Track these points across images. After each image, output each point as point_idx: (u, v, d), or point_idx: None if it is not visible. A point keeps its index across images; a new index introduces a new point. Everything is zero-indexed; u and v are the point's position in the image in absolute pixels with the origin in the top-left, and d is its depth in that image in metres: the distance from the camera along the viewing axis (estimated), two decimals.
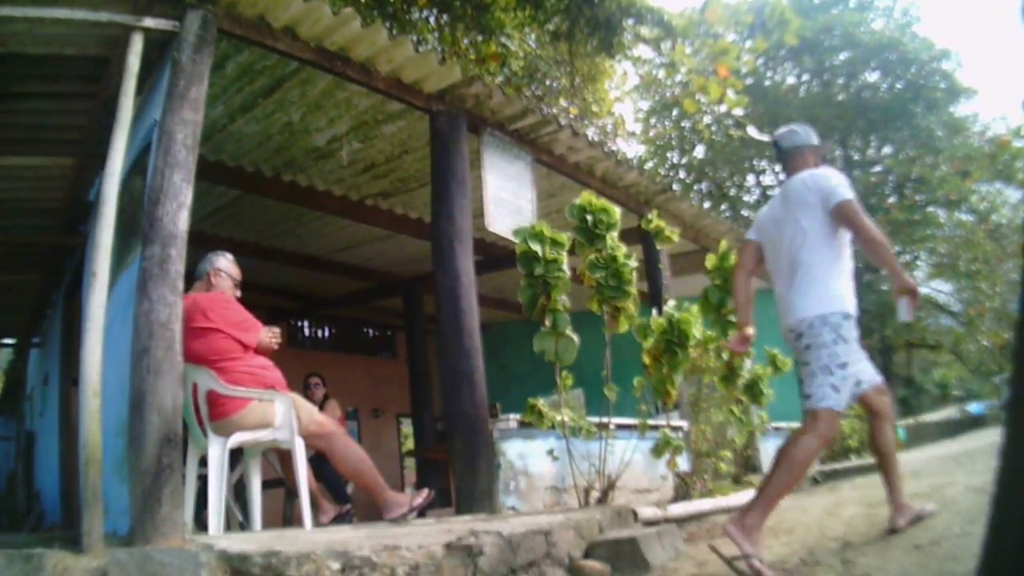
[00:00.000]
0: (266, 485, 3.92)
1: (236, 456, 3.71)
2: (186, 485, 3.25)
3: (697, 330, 4.28)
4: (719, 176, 21.76)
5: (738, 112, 12.77)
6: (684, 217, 7.09)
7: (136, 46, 3.23)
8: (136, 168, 3.50)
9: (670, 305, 4.36)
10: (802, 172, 3.21)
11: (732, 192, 22.26)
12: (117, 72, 3.35)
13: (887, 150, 20.28)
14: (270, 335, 3.65)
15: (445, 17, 9.87)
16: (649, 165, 20.10)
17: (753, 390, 5.57)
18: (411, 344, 8.63)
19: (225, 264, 3.86)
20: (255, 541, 2.34)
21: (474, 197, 4.59)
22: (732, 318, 4.99)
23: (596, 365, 4.05)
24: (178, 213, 3.00)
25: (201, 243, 4.58)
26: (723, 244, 5.15)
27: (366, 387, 10.01)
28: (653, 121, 20.65)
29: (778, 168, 21.51)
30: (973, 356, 22.77)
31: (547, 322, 3.80)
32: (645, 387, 4.33)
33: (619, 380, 4.02)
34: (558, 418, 3.97)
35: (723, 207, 20.84)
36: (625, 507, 3.53)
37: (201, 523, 3.43)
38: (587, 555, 2.82)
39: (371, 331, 10.93)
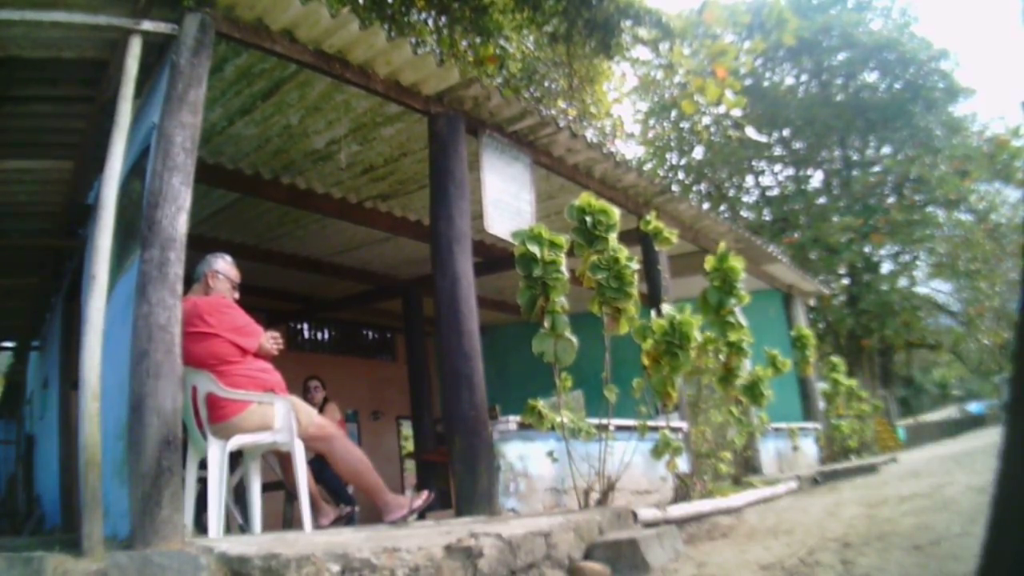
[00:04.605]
0: (266, 488, 3.91)
1: (236, 459, 3.70)
2: (186, 488, 3.24)
3: (697, 332, 4.28)
4: (718, 177, 21.78)
5: (737, 113, 12.77)
6: (683, 218, 7.09)
7: (134, 49, 3.23)
8: (135, 171, 3.50)
9: (668, 307, 4.36)
10: None
11: (731, 193, 22.28)
12: (116, 75, 3.35)
13: (886, 150, 20.29)
14: (271, 340, 3.65)
15: (443, 19, 9.87)
16: (648, 166, 20.12)
17: (752, 391, 5.58)
18: (410, 346, 8.63)
19: (223, 266, 3.84)
20: (255, 544, 2.34)
21: (473, 199, 4.60)
22: (731, 319, 5.01)
23: (596, 366, 4.04)
24: (177, 216, 3.00)
25: (200, 246, 4.58)
26: (722, 245, 5.15)
27: (366, 389, 10.01)
28: (652, 122, 20.67)
29: (776, 168, 21.59)
30: (973, 356, 22.81)
31: (546, 324, 3.80)
32: (645, 388, 4.33)
33: (619, 381, 4.02)
34: (558, 420, 3.96)
35: (722, 208, 20.85)
36: (625, 508, 3.52)
37: (201, 526, 3.43)
38: (587, 556, 2.82)
39: (371, 333, 10.93)
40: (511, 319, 9.27)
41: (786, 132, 20.69)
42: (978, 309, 19.19)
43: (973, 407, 26.86)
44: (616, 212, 3.98)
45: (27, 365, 9.19)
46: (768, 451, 7.51)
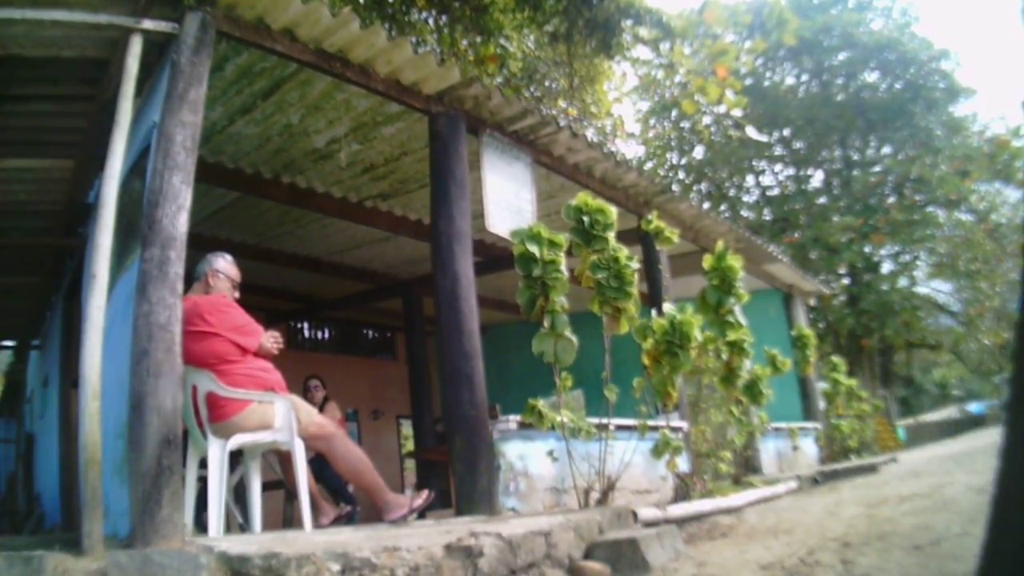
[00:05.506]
0: (266, 487, 3.92)
1: (236, 458, 3.71)
2: (186, 487, 3.25)
3: (698, 331, 4.28)
4: (718, 177, 21.77)
5: (737, 113, 12.75)
6: (683, 218, 7.09)
7: (135, 48, 3.23)
8: (135, 170, 3.50)
9: (668, 306, 4.36)
10: None
11: (731, 193, 22.26)
12: (116, 74, 3.35)
13: (886, 150, 20.28)
14: (271, 340, 3.65)
15: (444, 18, 9.87)
16: (648, 166, 20.11)
17: (752, 390, 5.58)
18: (411, 345, 8.63)
19: (223, 265, 3.84)
20: (255, 543, 2.34)
21: (473, 198, 4.59)
22: (730, 318, 5.01)
23: (596, 366, 4.04)
24: (177, 215, 3.00)
25: (200, 245, 4.59)
26: (719, 244, 5.15)
27: (366, 389, 10.01)
28: (652, 122, 20.66)
29: (777, 168, 21.58)
30: (973, 356, 22.79)
31: (546, 323, 3.79)
32: (645, 388, 4.32)
33: (619, 381, 4.02)
34: (558, 419, 3.96)
35: (722, 208, 20.84)
36: (625, 508, 3.52)
37: (201, 525, 3.43)
38: (587, 556, 2.82)
39: (371, 333, 10.93)
40: (511, 318, 9.26)
41: (786, 132, 20.68)
42: (978, 309, 19.19)
43: (973, 407, 26.85)
44: (613, 211, 3.98)
45: (27, 364, 9.19)
46: (768, 451, 7.52)
